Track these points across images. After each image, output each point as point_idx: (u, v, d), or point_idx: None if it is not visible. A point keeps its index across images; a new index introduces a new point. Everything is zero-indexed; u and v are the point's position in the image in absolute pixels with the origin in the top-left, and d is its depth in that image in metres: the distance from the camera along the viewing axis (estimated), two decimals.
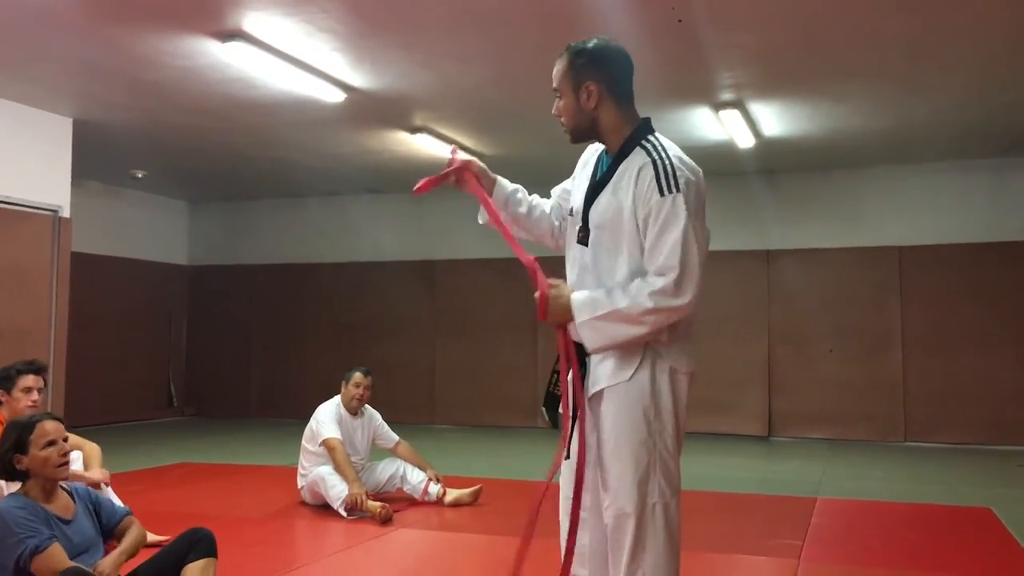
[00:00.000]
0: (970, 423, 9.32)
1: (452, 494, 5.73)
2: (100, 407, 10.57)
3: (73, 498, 3.16)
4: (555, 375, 2.59)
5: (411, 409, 10.94)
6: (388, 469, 5.89)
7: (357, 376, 5.81)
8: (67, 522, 3.05)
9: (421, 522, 5.35)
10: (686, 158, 2.42)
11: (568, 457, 2.48)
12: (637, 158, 2.39)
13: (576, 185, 2.62)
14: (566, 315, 2.42)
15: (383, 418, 6.06)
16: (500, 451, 9.14)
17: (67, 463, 3.09)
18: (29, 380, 4.38)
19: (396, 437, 6.00)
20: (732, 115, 7.60)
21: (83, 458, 4.52)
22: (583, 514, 2.53)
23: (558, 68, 2.51)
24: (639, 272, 2.35)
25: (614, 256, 2.41)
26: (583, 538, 2.55)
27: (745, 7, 5.43)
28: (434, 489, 5.77)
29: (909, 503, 6.10)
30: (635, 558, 2.34)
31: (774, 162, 9.56)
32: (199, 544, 3.15)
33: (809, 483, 6.91)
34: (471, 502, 5.75)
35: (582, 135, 2.53)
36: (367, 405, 5.95)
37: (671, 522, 2.36)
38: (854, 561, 4.51)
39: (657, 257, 2.29)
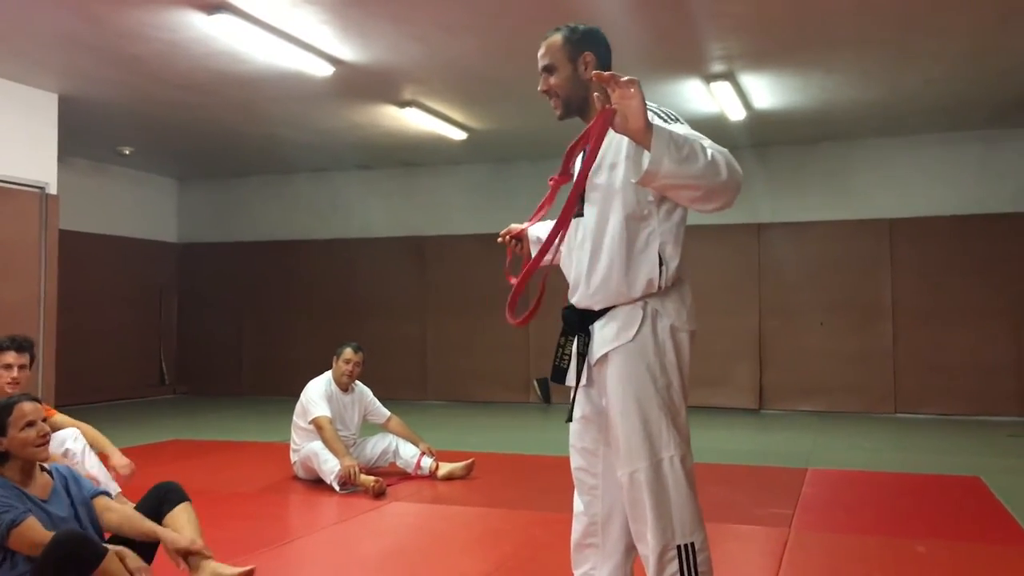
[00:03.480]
0: (960, 394, 9.39)
1: (445, 468, 5.75)
2: (91, 385, 10.55)
3: (52, 476, 3.15)
4: (559, 349, 2.60)
5: (403, 385, 10.96)
6: (380, 444, 5.90)
7: (347, 352, 5.80)
8: (44, 501, 3.04)
9: (414, 495, 5.37)
10: None
11: (569, 420, 2.56)
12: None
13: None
14: (642, 120, 2.13)
15: (375, 394, 6.06)
16: (492, 426, 9.17)
17: (46, 443, 3.08)
18: (9, 356, 4.31)
19: (388, 412, 6.01)
20: (723, 87, 7.57)
21: (89, 439, 4.46)
22: (594, 482, 2.58)
23: (551, 44, 2.58)
24: (637, 217, 2.41)
25: (608, 207, 2.44)
26: (595, 506, 2.59)
27: None
28: (427, 463, 5.78)
29: (899, 473, 6.15)
30: (661, 515, 2.36)
31: (765, 135, 9.54)
32: (169, 495, 3.24)
33: (800, 454, 6.95)
34: (464, 475, 5.77)
35: (574, 107, 2.57)
36: (358, 381, 5.94)
37: (689, 473, 2.41)
38: (844, 529, 4.55)
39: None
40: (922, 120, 9.06)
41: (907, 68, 7.27)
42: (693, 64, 7.10)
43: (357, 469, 5.30)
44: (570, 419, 2.58)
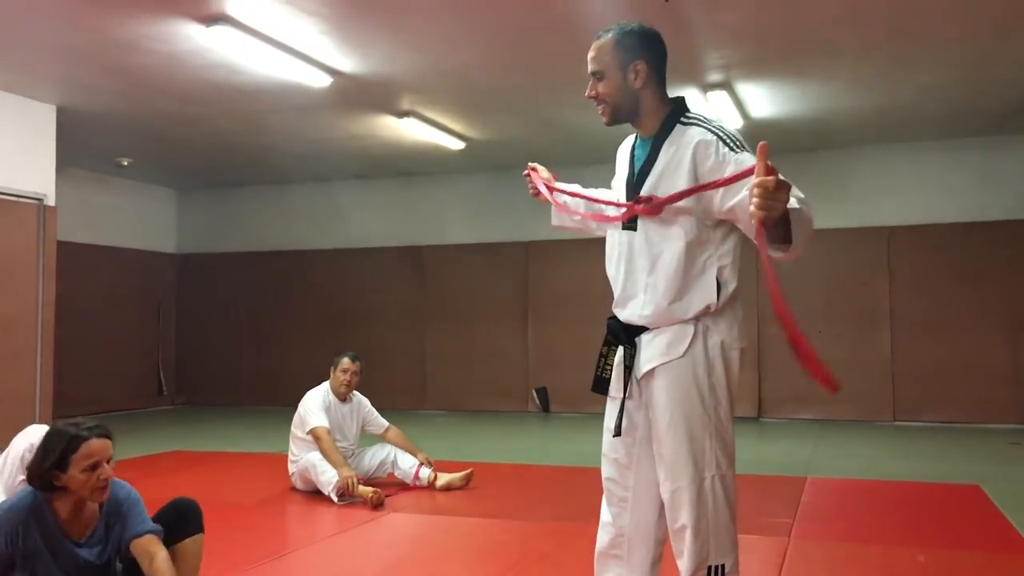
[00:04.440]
0: (959, 402, 9.38)
1: (443, 478, 5.73)
2: (89, 397, 10.53)
3: (100, 512, 2.89)
4: (602, 359, 2.55)
5: (402, 395, 10.94)
6: (379, 455, 5.88)
7: (345, 361, 5.79)
8: (77, 542, 2.81)
9: (412, 506, 5.35)
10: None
11: (618, 434, 2.48)
12: (688, 135, 2.39)
13: (616, 181, 2.62)
14: (783, 205, 2.14)
15: (373, 404, 6.04)
16: (491, 435, 9.15)
17: (106, 487, 2.80)
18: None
19: (386, 423, 6.00)
20: (720, 96, 7.59)
21: None
22: (625, 494, 2.54)
23: (601, 46, 2.47)
24: (696, 243, 2.37)
25: (667, 230, 2.40)
26: (623, 519, 2.55)
27: None
28: (425, 473, 5.76)
29: (898, 481, 6.14)
30: (699, 533, 2.36)
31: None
32: (188, 519, 3.02)
33: (799, 463, 6.94)
34: (462, 486, 5.75)
35: (623, 116, 2.51)
36: (356, 391, 5.93)
37: (729, 493, 2.41)
38: (844, 538, 4.54)
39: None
40: (921, 128, 9.07)
41: (905, 76, 7.28)
42: (690, 73, 7.11)
43: (355, 480, 5.28)
44: (618, 433, 2.48)
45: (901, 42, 6.45)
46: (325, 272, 11.90)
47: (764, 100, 7.90)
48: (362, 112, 8.31)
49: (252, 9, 5.65)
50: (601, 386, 2.56)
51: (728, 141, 2.34)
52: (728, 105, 7.82)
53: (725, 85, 7.37)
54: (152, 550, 2.81)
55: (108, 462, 2.80)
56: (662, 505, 2.47)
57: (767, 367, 10.07)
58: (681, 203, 2.34)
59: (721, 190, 2.27)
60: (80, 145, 9.20)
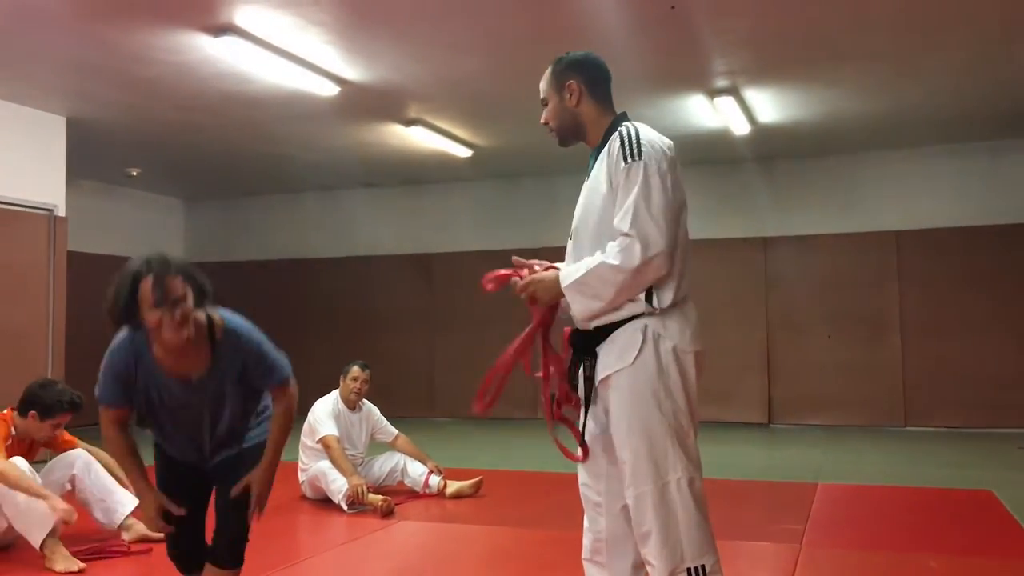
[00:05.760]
0: (969, 406, 9.33)
1: (453, 486, 5.73)
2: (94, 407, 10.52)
3: (214, 353, 2.70)
4: (572, 371, 2.60)
5: (411, 402, 10.94)
6: (388, 463, 5.88)
7: (355, 370, 5.80)
8: (186, 382, 2.69)
9: (422, 514, 5.35)
10: (654, 133, 2.50)
11: (582, 443, 2.56)
12: (611, 142, 2.49)
13: None
14: (555, 288, 2.48)
15: (382, 412, 6.05)
16: (500, 443, 9.15)
17: (185, 324, 2.55)
18: (66, 419, 4.44)
19: (395, 431, 6.00)
20: (727, 102, 7.58)
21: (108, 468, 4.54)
22: (598, 499, 2.57)
23: (544, 77, 2.68)
24: (614, 236, 2.43)
25: (593, 238, 2.48)
26: (599, 524, 2.58)
27: None
28: (435, 481, 5.76)
29: (910, 487, 6.11)
30: (668, 538, 2.35)
31: (770, 149, 9.55)
32: (233, 547, 2.89)
33: (810, 469, 6.91)
34: (472, 494, 5.75)
35: (568, 133, 2.67)
36: (365, 400, 5.94)
37: (697, 495, 2.39)
38: (856, 545, 4.52)
39: (620, 220, 2.37)
40: (928, 132, 9.05)
41: (911, 80, 7.27)
42: (697, 80, 7.11)
43: (365, 488, 5.29)
44: (582, 442, 2.56)
45: (907, 46, 6.44)
46: (333, 281, 11.92)
47: (771, 106, 7.90)
48: (369, 121, 8.33)
49: (259, 20, 5.68)
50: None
51: (626, 147, 2.42)
52: (735, 111, 7.82)
53: (732, 91, 7.36)
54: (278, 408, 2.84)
55: (184, 299, 2.55)
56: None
57: (776, 373, 10.04)
58: (601, 206, 2.46)
59: (618, 211, 2.40)
60: (90, 156, 9.24)
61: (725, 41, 6.25)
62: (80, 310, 9.39)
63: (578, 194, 2.62)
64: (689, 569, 2.35)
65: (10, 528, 4.19)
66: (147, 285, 2.52)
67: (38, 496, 4.09)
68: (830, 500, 5.66)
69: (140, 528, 4.41)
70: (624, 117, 2.59)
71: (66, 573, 4.00)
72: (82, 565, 4.06)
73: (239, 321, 2.79)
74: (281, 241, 12.27)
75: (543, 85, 2.67)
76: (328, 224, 12.06)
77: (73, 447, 4.67)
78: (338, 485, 5.35)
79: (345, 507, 5.30)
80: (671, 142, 2.51)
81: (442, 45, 6.28)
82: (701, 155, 9.50)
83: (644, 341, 2.40)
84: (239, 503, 2.81)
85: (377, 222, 11.81)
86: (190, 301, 2.57)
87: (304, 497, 5.75)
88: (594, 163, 2.57)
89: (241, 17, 5.64)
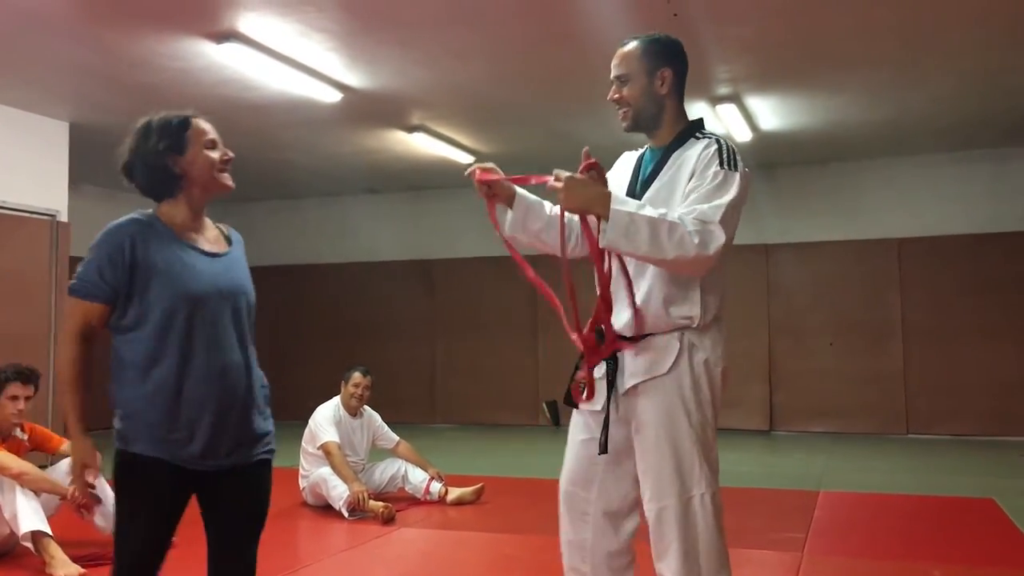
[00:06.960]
0: (972, 414, 9.31)
1: (454, 493, 5.73)
2: (101, 411, 10.53)
3: (228, 240, 2.57)
4: (576, 370, 2.52)
5: (412, 409, 10.93)
6: (389, 469, 5.88)
7: (356, 376, 5.80)
8: (215, 255, 2.45)
9: (423, 521, 5.34)
10: None
11: (604, 451, 2.42)
12: (696, 147, 2.42)
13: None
14: (593, 200, 2.27)
15: (383, 418, 6.05)
16: (501, 449, 9.14)
17: (229, 163, 2.48)
18: (17, 388, 4.36)
19: (396, 437, 5.99)
20: (729, 109, 7.59)
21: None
22: (587, 508, 2.51)
23: (627, 53, 2.52)
24: None
25: None
26: (585, 532, 2.53)
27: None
28: (436, 488, 5.76)
29: (912, 495, 6.10)
30: (688, 553, 2.32)
31: (772, 156, 9.55)
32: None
33: (812, 476, 6.90)
34: (473, 500, 5.75)
35: (644, 122, 2.52)
36: (366, 406, 5.93)
37: (718, 510, 2.37)
38: (857, 553, 4.50)
39: (713, 209, 2.29)
40: (931, 139, 9.05)
41: (915, 87, 7.27)
42: (699, 87, 7.11)
43: (366, 495, 5.28)
44: (604, 450, 2.40)
45: (911, 53, 6.44)
46: (335, 286, 11.92)
47: (773, 113, 7.90)
48: (372, 127, 8.34)
49: (262, 26, 5.69)
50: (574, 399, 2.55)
51: (724, 156, 2.37)
52: (737, 118, 7.82)
53: (734, 98, 7.37)
54: None
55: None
56: (622, 522, 2.48)
57: (778, 380, 10.03)
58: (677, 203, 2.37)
59: (689, 195, 2.34)
60: (92, 161, 9.21)
61: (727, 48, 6.26)
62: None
63: None
64: None
65: (11, 534, 4.19)
66: (203, 123, 2.36)
67: (53, 490, 4.20)
68: (832, 508, 5.64)
69: None
70: (702, 123, 2.53)
71: None
72: (82, 570, 4.05)
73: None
74: (282, 246, 12.27)
75: (627, 61, 2.50)
76: (330, 230, 12.07)
77: (61, 444, 4.66)
78: (339, 491, 5.34)
79: (346, 513, 5.29)
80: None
81: (445, 52, 6.29)
82: None
83: (680, 351, 2.37)
84: (254, 531, 2.40)
85: (379, 228, 11.82)
86: None
87: (305, 503, 5.74)
88: (659, 162, 2.46)
89: (244, 24, 5.65)
